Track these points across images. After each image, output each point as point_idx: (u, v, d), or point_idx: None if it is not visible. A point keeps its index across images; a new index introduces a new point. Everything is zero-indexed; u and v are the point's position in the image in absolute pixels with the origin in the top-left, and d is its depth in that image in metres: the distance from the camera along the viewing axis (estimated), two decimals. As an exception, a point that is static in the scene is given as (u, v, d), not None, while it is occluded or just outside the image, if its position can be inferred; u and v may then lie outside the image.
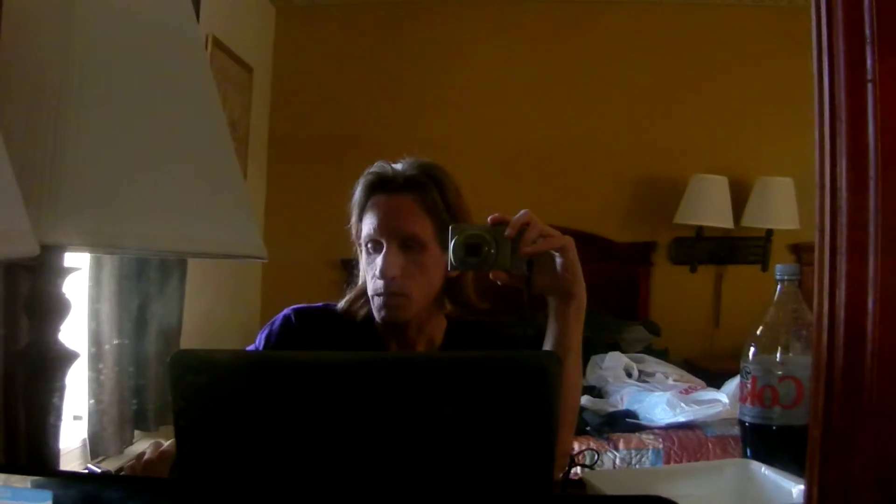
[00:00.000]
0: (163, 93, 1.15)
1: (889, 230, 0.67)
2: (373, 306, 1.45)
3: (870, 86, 0.69)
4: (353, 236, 1.50)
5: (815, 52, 0.74)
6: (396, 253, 1.41)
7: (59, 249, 1.14)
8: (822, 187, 0.72)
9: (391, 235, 1.41)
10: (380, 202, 1.44)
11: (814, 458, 0.70)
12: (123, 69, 1.11)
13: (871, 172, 0.68)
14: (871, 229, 0.68)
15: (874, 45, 0.69)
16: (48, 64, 1.08)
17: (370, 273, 1.43)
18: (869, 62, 0.69)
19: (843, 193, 0.70)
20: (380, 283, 1.40)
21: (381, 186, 1.45)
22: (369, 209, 1.44)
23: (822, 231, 0.71)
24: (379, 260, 1.41)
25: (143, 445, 2.63)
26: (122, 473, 1.27)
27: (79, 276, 1.25)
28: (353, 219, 1.49)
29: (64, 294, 1.16)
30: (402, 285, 1.40)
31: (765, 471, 1.14)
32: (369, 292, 1.44)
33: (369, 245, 1.44)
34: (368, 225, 1.43)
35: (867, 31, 0.69)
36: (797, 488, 1.03)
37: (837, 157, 0.71)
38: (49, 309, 1.14)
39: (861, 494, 0.67)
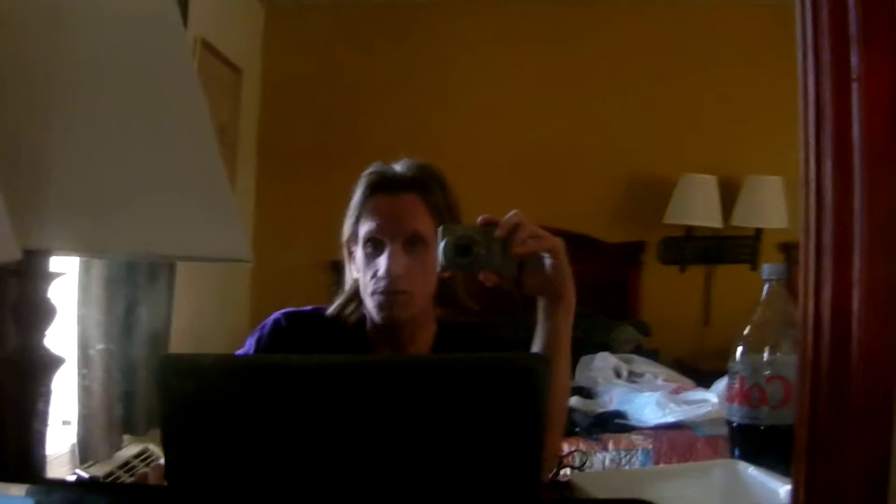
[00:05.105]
0: (149, 97, 1.14)
1: (874, 229, 0.67)
2: (370, 306, 1.43)
3: (855, 85, 0.69)
4: (346, 238, 1.49)
5: (800, 51, 0.74)
6: (400, 252, 1.40)
7: (46, 254, 1.13)
8: (806, 186, 0.72)
9: (394, 234, 1.40)
10: (382, 201, 1.43)
11: (800, 459, 0.70)
12: (110, 74, 1.10)
13: (856, 171, 0.68)
14: (857, 228, 0.68)
15: (859, 44, 0.69)
16: (35, 68, 1.08)
17: (369, 273, 1.42)
18: (854, 61, 0.69)
19: (829, 193, 0.70)
20: (382, 282, 1.39)
21: (383, 186, 1.44)
22: (370, 209, 1.43)
23: (807, 230, 0.71)
24: (382, 259, 1.40)
25: (132, 450, 2.64)
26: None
27: (66, 281, 1.25)
28: (350, 220, 1.47)
29: (50, 299, 1.15)
30: (405, 284, 1.39)
31: (752, 471, 1.14)
32: (366, 292, 1.43)
33: (369, 245, 1.42)
34: (369, 224, 1.42)
35: (852, 30, 0.69)
36: (784, 489, 1.03)
37: (822, 156, 0.71)
38: (35, 314, 1.13)
39: (847, 494, 0.67)
